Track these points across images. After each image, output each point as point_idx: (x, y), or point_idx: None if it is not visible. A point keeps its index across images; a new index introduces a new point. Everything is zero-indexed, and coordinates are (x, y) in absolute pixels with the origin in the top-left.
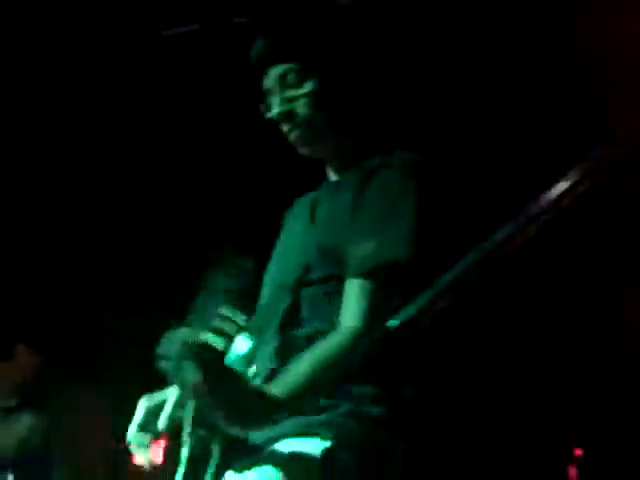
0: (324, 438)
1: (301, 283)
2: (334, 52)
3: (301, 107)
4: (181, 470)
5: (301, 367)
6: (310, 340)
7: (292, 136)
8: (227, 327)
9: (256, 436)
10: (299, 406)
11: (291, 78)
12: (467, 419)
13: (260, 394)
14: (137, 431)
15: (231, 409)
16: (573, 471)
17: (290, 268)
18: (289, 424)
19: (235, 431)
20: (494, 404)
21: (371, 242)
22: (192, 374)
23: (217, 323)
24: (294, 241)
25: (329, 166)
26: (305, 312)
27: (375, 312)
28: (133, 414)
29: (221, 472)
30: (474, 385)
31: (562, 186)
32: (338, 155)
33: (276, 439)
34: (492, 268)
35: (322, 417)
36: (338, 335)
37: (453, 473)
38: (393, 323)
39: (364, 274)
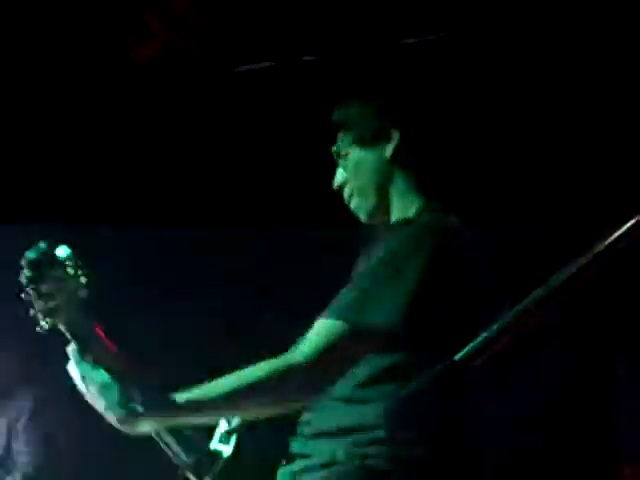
0: None
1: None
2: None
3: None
4: None
5: (220, 381)
6: None
7: (352, 205)
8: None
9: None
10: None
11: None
12: None
13: (111, 392)
14: None
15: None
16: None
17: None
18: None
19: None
20: None
21: (358, 292)
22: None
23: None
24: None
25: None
26: None
27: (327, 354)
28: None
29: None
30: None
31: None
32: (385, 219)
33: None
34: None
35: (358, 463)
36: (275, 359)
37: None
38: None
39: (333, 315)
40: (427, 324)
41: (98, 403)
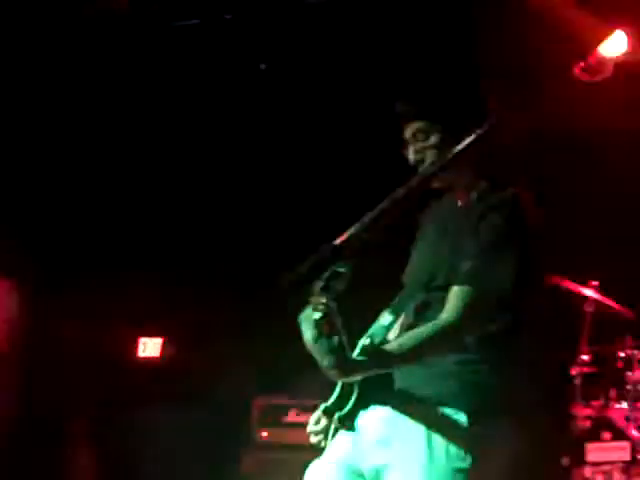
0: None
1: (428, 286)
2: (453, 112)
3: (429, 156)
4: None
5: (400, 341)
6: None
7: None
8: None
9: (404, 386)
10: (389, 365)
11: (420, 134)
12: None
13: (338, 351)
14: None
15: (320, 357)
16: None
17: (422, 272)
18: (435, 390)
19: (331, 374)
20: None
21: (481, 265)
22: (308, 338)
23: (313, 302)
24: (428, 249)
25: (453, 193)
26: (431, 309)
27: (468, 314)
28: None
29: (359, 406)
30: None
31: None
32: (458, 187)
33: (423, 401)
34: None
35: (461, 390)
36: (434, 324)
37: None
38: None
39: (468, 284)
40: (524, 292)
41: (320, 359)
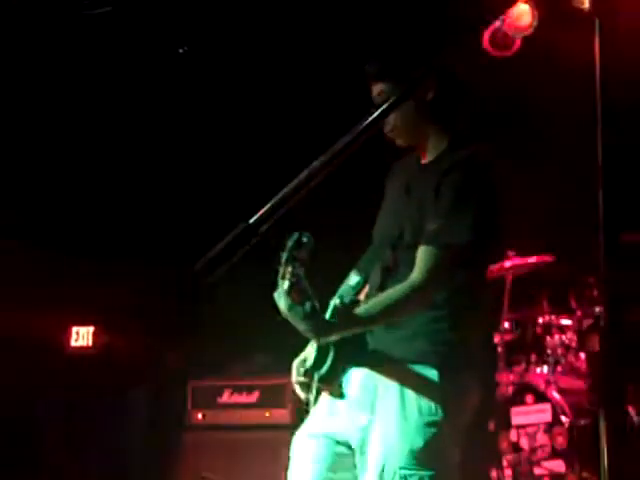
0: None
1: (395, 245)
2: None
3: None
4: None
5: (371, 303)
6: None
7: (391, 134)
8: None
9: (378, 347)
10: (361, 326)
11: (384, 94)
12: None
13: (312, 316)
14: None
15: (294, 324)
16: None
17: (389, 231)
18: (406, 350)
19: (308, 336)
20: None
21: (444, 223)
22: (282, 307)
23: (281, 273)
24: (393, 208)
25: (418, 152)
26: (399, 269)
27: (435, 273)
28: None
29: (337, 366)
30: None
31: None
32: (423, 146)
33: (396, 360)
34: None
35: (430, 348)
36: (402, 286)
37: None
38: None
39: (433, 244)
40: (486, 243)
41: (298, 325)
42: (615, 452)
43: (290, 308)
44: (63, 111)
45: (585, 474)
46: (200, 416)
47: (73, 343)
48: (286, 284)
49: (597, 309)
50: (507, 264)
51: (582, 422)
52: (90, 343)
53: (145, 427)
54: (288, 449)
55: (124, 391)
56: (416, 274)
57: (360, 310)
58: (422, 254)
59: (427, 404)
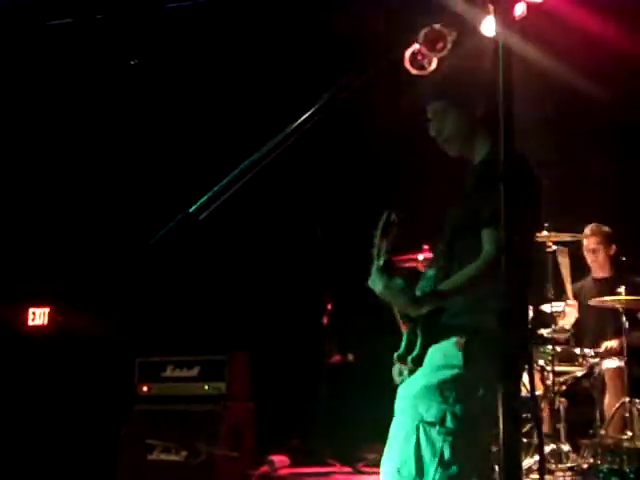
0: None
1: (458, 231)
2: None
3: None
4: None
5: (453, 278)
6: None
7: (444, 145)
8: (381, 254)
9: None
10: (443, 299)
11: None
12: None
13: (407, 290)
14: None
15: (392, 300)
16: None
17: (457, 218)
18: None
19: (405, 309)
20: None
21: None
22: (379, 287)
23: (376, 251)
24: (459, 204)
25: (467, 158)
26: (455, 251)
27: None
28: None
29: (425, 348)
30: None
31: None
32: (471, 154)
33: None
34: None
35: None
36: (476, 262)
37: None
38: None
39: (491, 226)
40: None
41: (395, 300)
42: None
43: (387, 285)
44: None
45: None
46: (145, 389)
47: (30, 323)
48: (381, 260)
49: None
50: (420, 257)
51: None
52: (46, 322)
53: (96, 397)
54: (224, 418)
55: (76, 366)
56: (486, 250)
57: (442, 286)
58: (486, 236)
59: (454, 357)
